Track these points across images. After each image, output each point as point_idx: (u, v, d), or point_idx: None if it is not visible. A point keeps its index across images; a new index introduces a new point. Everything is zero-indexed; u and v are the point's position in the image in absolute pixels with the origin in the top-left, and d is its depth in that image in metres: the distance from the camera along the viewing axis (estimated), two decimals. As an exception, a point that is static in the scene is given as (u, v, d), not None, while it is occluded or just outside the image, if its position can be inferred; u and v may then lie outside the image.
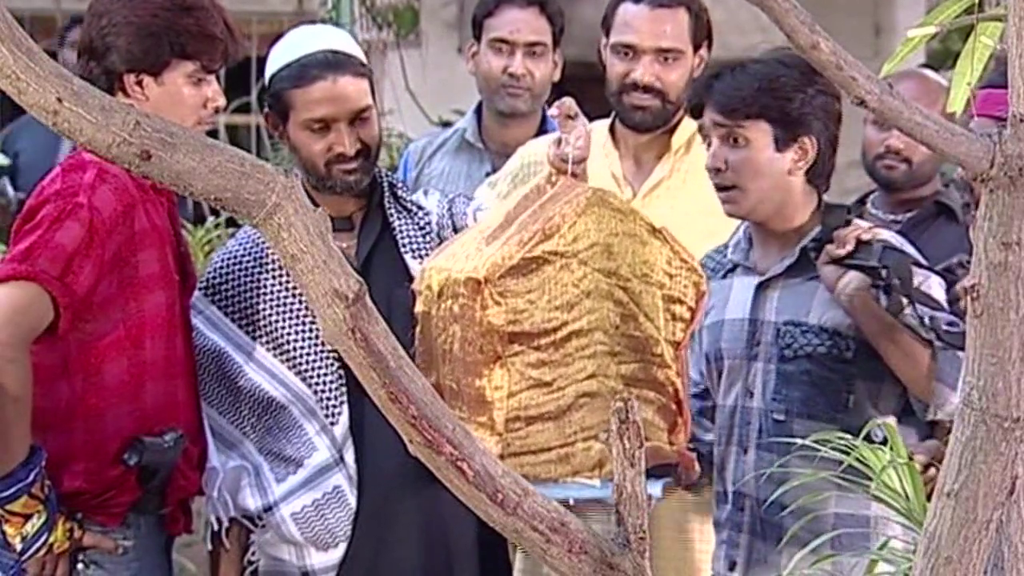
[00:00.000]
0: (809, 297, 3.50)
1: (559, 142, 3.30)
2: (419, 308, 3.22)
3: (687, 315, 3.23)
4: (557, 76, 4.63)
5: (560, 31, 4.54)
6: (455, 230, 3.69)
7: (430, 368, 3.18)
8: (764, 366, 3.51)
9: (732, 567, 3.54)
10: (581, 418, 3.10)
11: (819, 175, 3.54)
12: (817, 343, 3.46)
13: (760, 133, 3.49)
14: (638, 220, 3.18)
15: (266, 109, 3.69)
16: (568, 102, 3.41)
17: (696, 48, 4.04)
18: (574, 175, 3.22)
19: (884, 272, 3.40)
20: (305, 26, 3.99)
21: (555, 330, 3.09)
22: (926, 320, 3.37)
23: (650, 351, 3.23)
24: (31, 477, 3.28)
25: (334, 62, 3.61)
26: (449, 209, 3.75)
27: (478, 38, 4.56)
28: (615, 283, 3.14)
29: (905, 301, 3.39)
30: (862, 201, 4.49)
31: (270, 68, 3.67)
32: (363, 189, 3.67)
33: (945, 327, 3.34)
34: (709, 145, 3.56)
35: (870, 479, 2.54)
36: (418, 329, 3.22)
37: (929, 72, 4.58)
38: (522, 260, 3.04)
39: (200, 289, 3.66)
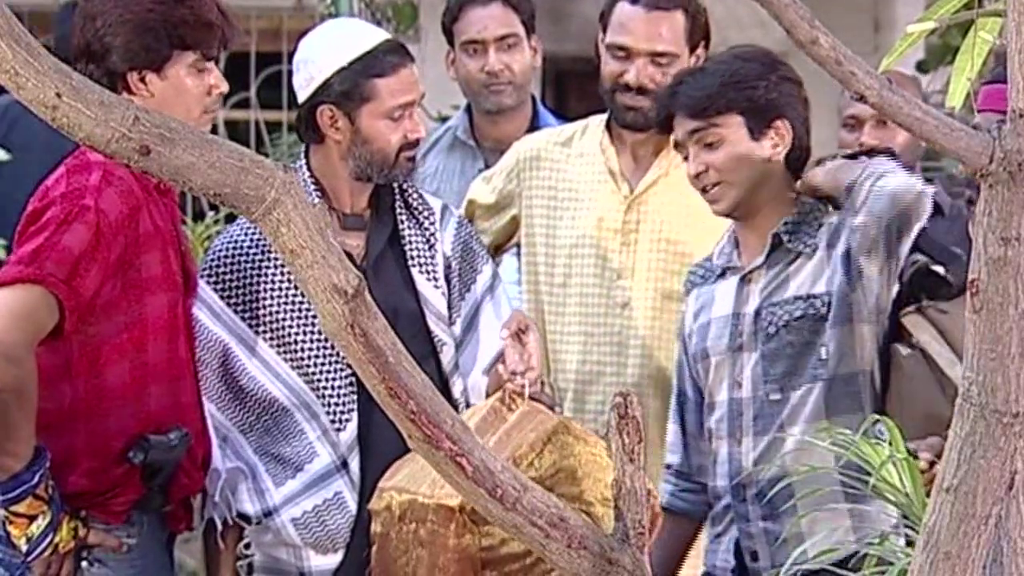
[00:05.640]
0: (787, 278, 3.53)
1: (510, 359, 3.41)
2: (377, 529, 3.28)
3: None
4: (538, 62, 4.63)
5: (531, 17, 4.54)
6: (463, 282, 3.72)
7: None
8: (749, 355, 3.54)
9: (755, 557, 3.52)
10: None
11: (796, 159, 3.59)
12: (792, 310, 3.50)
13: (733, 126, 3.53)
14: (598, 445, 3.27)
15: (323, 103, 3.62)
16: (517, 319, 3.48)
17: (692, 49, 4.01)
18: (532, 397, 3.32)
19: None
20: (339, 20, 3.98)
21: (525, 555, 3.17)
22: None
23: None
24: (35, 478, 3.28)
25: (404, 51, 3.65)
26: (463, 252, 3.75)
27: (452, 44, 4.57)
28: (579, 508, 3.19)
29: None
30: None
31: (329, 64, 3.61)
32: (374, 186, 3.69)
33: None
34: (686, 159, 3.59)
35: (869, 475, 2.54)
36: (374, 549, 3.28)
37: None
38: None
39: (201, 276, 3.65)
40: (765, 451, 3.47)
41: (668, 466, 3.73)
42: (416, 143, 3.66)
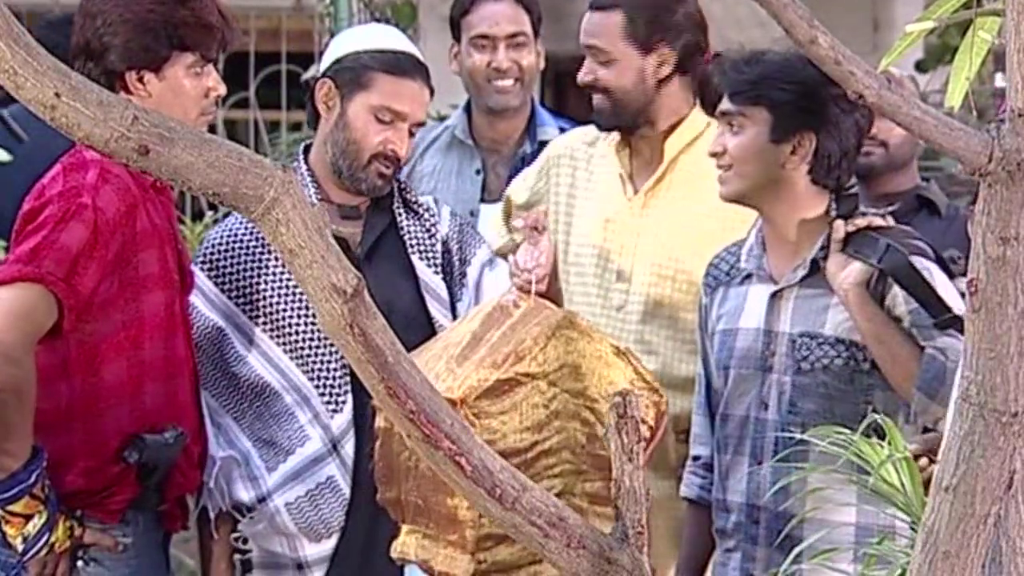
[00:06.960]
0: (824, 308, 3.46)
1: (522, 255, 3.41)
2: (380, 424, 3.27)
3: (647, 434, 3.27)
4: (542, 65, 4.63)
5: (538, 20, 4.55)
6: (462, 260, 3.77)
7: (391, 483, 3.25)
8: (779, 378, 3.47)
9: None
10: None
11: (827, 176, 3.49)
12: (834, 355, 3.43)
13: (759, 122, 3.47)
14: (604, 341, 3.26)
15: (327, 78, 3.71)
16: (536, 215, 3.47)
17: (646, 50, 3.95)
18: (539, 294, 3.31)
19: (881, 270, 3.39)
20: (386, 26, 4.11)
21: (525, 450, 3.17)
22: (907, 320, 3.36)
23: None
24: (32, 478, 3.28)
25: (423, 70, 3.74)
26: (459, 234, 3.82)
27: (457, 38, 4.56)
28: (582, 403, 3.22)
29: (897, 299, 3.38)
30: None
31: (351, 44, 3.74)
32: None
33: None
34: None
35: (868, 474, 2.54)
36: (378, 444, 3.27)
37: None
38: (496, 382, 3.13)
39: (196, 263, 3.67)
40: (787, 482, 3.41)
41: (696, 458, 3.69)
42: (395, 160, 3.68)
